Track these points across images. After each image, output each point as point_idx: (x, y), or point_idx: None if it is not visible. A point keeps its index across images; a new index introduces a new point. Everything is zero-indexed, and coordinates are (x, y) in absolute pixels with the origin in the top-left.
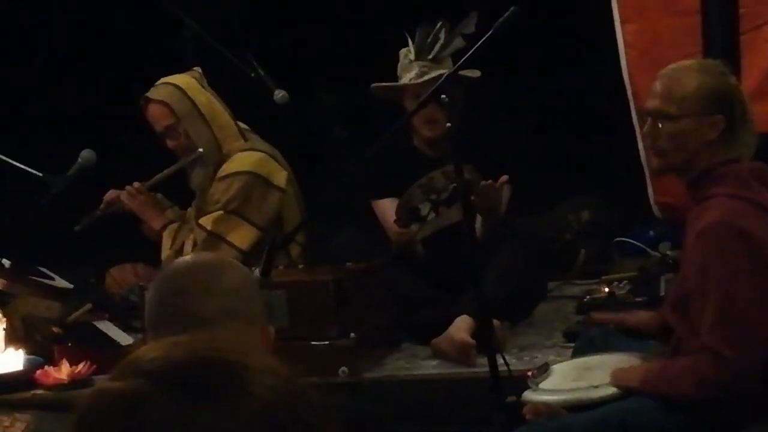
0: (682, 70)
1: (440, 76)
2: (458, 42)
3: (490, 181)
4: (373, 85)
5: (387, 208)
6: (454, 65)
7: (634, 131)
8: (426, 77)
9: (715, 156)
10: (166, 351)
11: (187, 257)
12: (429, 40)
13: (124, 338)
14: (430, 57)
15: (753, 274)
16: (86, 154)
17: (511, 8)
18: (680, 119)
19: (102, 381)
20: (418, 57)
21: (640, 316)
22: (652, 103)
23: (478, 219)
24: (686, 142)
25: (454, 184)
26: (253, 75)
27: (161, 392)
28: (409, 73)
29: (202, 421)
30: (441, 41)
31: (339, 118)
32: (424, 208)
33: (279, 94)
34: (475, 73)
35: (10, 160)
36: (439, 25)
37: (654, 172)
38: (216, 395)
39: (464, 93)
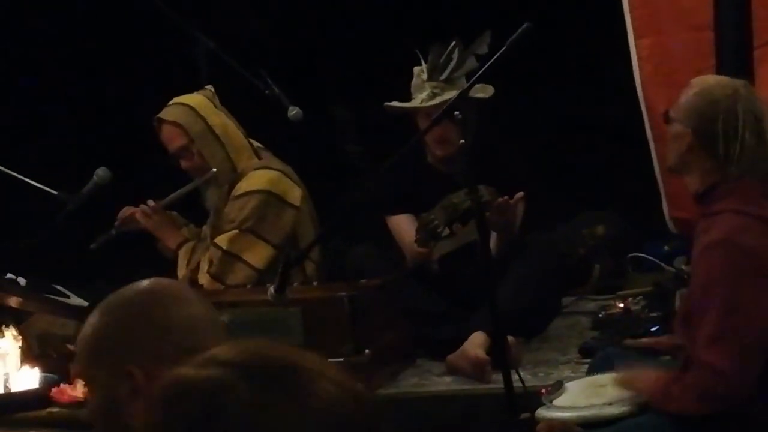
0: (696, 83)
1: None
2: (471, 63)
3: (505, 198)
4: (386, 104)
5: (402, 224)
6: (467, 83)
7: (649, 146)
8: (437, 99)
9: (717, 171)
10: (241, 348)
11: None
12: (442, 60)
13: None
14: (443, 78)
15: (755, 291)
16: (101, 172)
17: (524, 25)
18: (672, 123)
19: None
20: (430, 77)
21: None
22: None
23: (493, 235)
24: (675, 146)
25: (468, 202)
26: (267, 92)
27: (243, 381)
28: (421, 93)
29: (279, 410)
30: (453, 62)
31: (353, 134)
32: (443, 229)
33: (293, 111)
34: (487, 92)
35: (26, 178)
36: (452, 44)
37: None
38: (291, 389)
39: (478, 109)
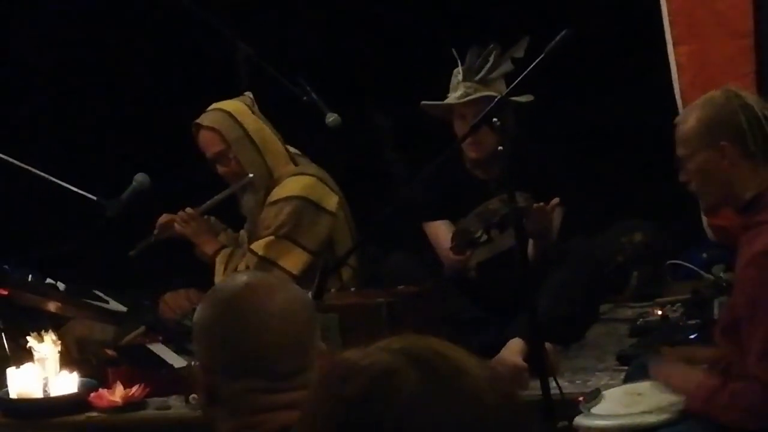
0: (687, 111)
1: (483, 97)
2: (507, 66)
3: (541, 204)
4: (422, 102)
5: (439, 230)
6: (506, 88)
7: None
8: (468, 98)
9: (757, 181)
10: (407, 340)
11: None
12: (478, 61)
13: (177, 360)
14: (477, 78)
15: None
16: (140, 178)
17: (563, 31)
18: (692, 157)
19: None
20: (465, 77)
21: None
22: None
23: (531, 242)
24: (709, 177)
25: (504, 209)
26: (305, 98)
27: (413, 368)
28: (455, 93)
29: (443, 399)
30: (489, 64)
31: (391, 141)
32: (480, 235)
33: (331, 118)
34: (527, 98)
35: (66, 184)
36: (490, 47)
37: (704, 212)
38: (451, 379)
39: (516, 116)
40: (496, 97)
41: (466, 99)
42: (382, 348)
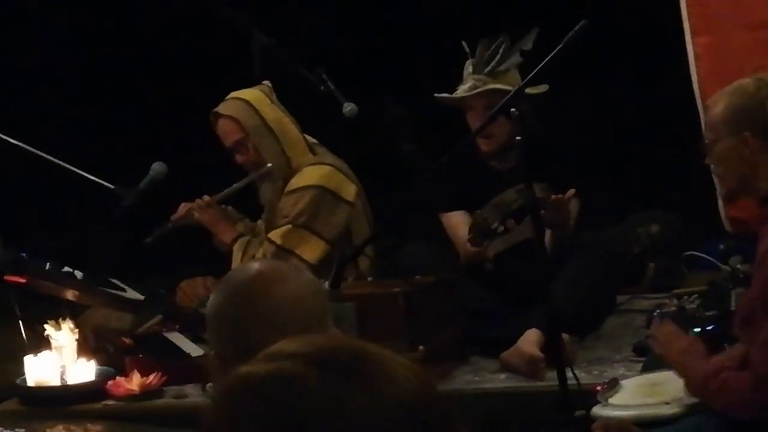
0: (717, 96)
1: (492, 90)
2: (515, 58)
3: (559, 195)
4: (435, 95)
5: (456, 221)
6: (519, 79)
7: (704, 144)
8: (476, 91)
9: None
10: (308, 340)
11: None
12: (488, 54)
13: (194, 349)
14: (486, 71)
15: None
16: (157, 167)
17: (581, 22)
18: (716, 143)
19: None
20: (475, 70)
21: None
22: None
23: (548, 233)
24: (730, 164)
25: (524, 201)
26: (322, 88)
27: (313, 371)
28: (464, 85)
29: (354, 400)
30: (499, 56)
31: (408, 131)
32: (497, 227)
33: (348, 107)
34: (541, 89)
35: (82, 172)
36: (500, 39)
37: (722, 199)
38: (364, 380)
39: (533, 107)
40: (504, 89)
41: (474, 92)
42: (280, 353)
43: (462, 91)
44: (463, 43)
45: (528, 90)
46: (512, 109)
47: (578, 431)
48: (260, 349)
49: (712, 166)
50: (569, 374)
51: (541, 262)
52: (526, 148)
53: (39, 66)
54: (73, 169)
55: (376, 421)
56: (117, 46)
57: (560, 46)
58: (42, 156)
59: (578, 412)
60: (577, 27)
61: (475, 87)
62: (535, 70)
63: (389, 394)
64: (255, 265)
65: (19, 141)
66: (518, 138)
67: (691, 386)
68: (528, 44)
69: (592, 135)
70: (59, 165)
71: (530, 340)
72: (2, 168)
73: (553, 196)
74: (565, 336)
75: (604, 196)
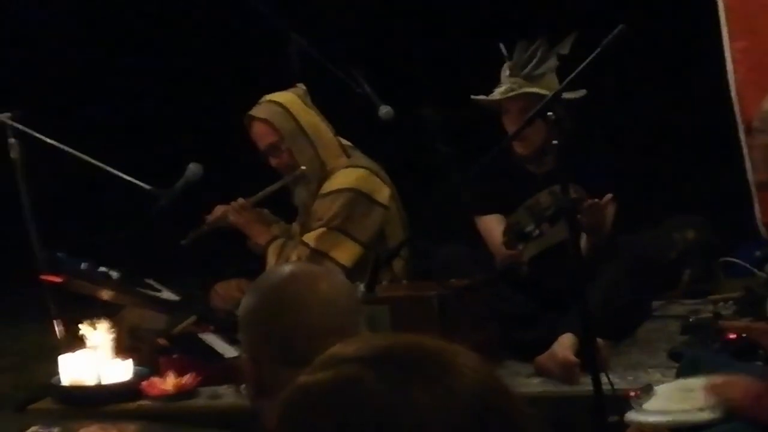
0: None
1: (527, 94)
2: (552, 62)
3: (596, 200)
4: (471, 97)
5: (491, 224)
6: (555, 82)
7: (741, 150)
8: (512, 94)
9: None
10: (364, 341)
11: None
12: (525, 57)
13: (228, 350)
14: (523, 74)
15: None
16: (193, 168)
17: (619, 26)
18: (763, 133)
19: (215, 389)
20: (511, 73)
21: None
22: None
23: (583, 237)
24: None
25: (559, 203)
26: (358, 90)
27: (372, 373)
28: (500, 88)
29: (414, 398)
30: (536, 59)
31: (443, 133)
32: (531, 230)
33: (384, 110)
34: (578, 94)
35: (119, 173)
36: (537, 42)
37: (755, 186)
38: (425, 376)
39: (571, 111)
40: (539, 93)
41: (509, 95)
42: (335, 358)
43: (498, 93)
44: (501, 46)
45: (565, 95)
46: (549, 113)
47: None
48: (292, 351)
49: (752, 151)
50: (604, 379)
51: (576, 265)
52: (563, 151)
53: (78, 68)
54: (110, 169)
55: (441, 416)
56: (155, 48)
57: (598, 50)
58: (79, 156)
59: (612, 418)
60: (615, 31)
61: (511, 90)
62: (572, 75)
63: (451, 389)
64: (287, 268)
65: (57, 142)
66: (555, 142)
67: (743, 404)
68: (565, 48)
69: (627, 140)
70: (96, 165)
71: (565, 345)
72: (40, 168)
73: (590, 201)
74: (600, 341)
75: (639, 200)
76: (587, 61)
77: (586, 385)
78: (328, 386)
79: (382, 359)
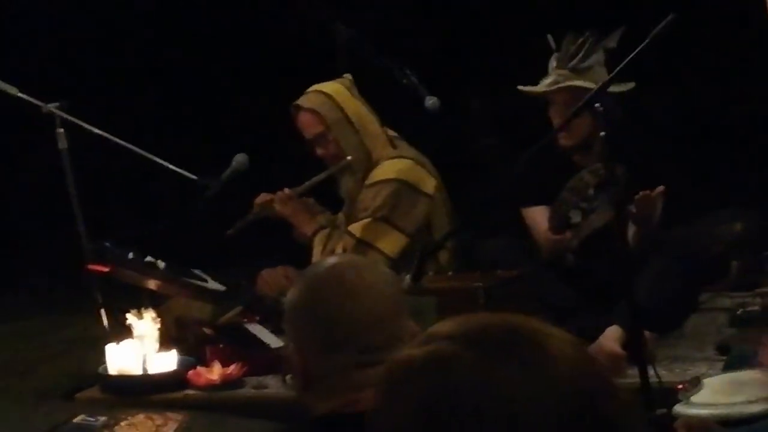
0: None
1: (571, 87)
2: (599, 56)
3: (647, 192)
4: (519, 87)
5: (537, 216)
6: (604, 74)
7: None
8: (556, 86)
9: None
10: (464, 320)
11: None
12: (572, 49)
13: (274, 340)
14: (569, 66)
15: None
16: (240, 158)
17: (670, 16)
18: None
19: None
20: (558, 65)
21: None
22: None
23: (632, 229)
24: None
25: (596, 179)
26: (404, 81)
27: (468, 351)
28: (546, 79)
29: (509, 378)
30: (582, 52)
31: (489, 124)
32: (575, 215)
33: (430, 101)
34: (626, 86)
35: (166, 163)
36: (585, 35)
37: None
38: (521, 356)
39: (618, 102)
40: (584, 87)
41: (553, 87)
42: (435, 335)
43: (543, 85)
44: (549, 37)
45: (612, 88)
46: (596, 104)
47: (660, 429)
48: (336, 341)
49: None
50: (651, 372)
51: (623, 256)
52: (611, 143)
53: (125, 59)
54: (157, 159)
55: (532, 395)
56: (202, 38)
57: (647, 40)
58: (126, 146)
59: (660, 410)
60: (665, 21)
61: (556, 82)
62: (620, 65)
63: (545, 369)
64: (331, 260)
65: (105, 132)
66: (602, 133)
67: None
68: (613, 42)
69: (676, 131)
70: (143, 155)
71: (612, 337)
72: (87, 158)
73: (641, 193)
74: (647, 333)
75: (687, 192)
76: (636, 51)
77: (632, 377)
78: (424, 362)
79: (478, 338)
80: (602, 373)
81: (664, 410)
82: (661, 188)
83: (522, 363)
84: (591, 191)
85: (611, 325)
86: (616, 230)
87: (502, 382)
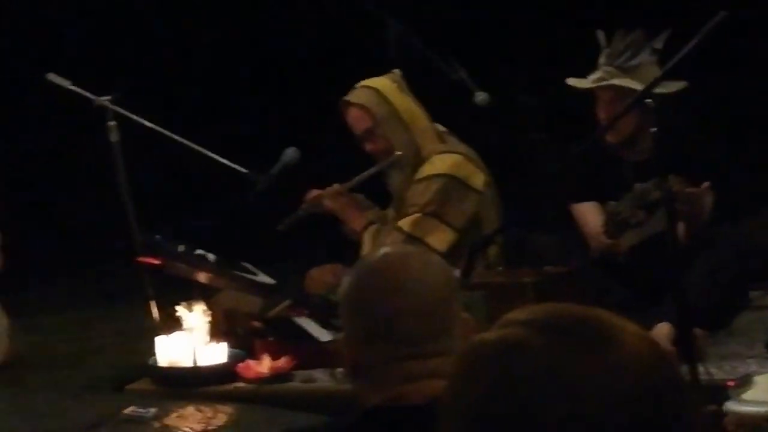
0: None
1: (614, 85)
2: (644, 55)
3: (694, 188)
4: (567, 80)
5: (586, 212)
6: (656, 72)
7: None
8: (601, 84)
9: None
10: (538, 307)
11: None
12: (621, 47)
13: (323, 334)
14: (617, 63)
15: None
16: (290, 153)
17: (721, 13)
18: None
19: (303, 374)
20: (606, 61)
21: None
22: None
23: (681, 226)
24: None
25: (659, 193)
26: (454, 76)
27: (540, 338)
28: (593, 75)
29: (578, 363)
30: (630, 51)
31: (538, 120)
32: (632, 219)
33: (480, 96)
34: (676, 87)
35: (217, 157)
36: (635, 33)
37: None
38: (592, 345)
39: (668, 100)
40: (626, 87)
41: (597, 84)
42: (510, 321)
43: (589, 81)
44: (599, 33)
45: (662, 89)
46: (648, 100)
47: (710, 427)
48: (387, 334)
49: None
50: (701, 369)
51: (674, 255)
52: (662, 139)
53: (176, 52)
54: (208, 153)
55: (602, 385)
56: (252, 34)
57: (698, 38)
58: (177, 140)
59: (710, 407)
60: (716, 19)
61: (602, 79)
62: (670, 63)
63: (615, 360)
64: (382, 250)
65: (156, 125)
66: (653, 129)
67: None
68: (659, 44)
69: (726, 127)
70: (194, 149)
71: (661, 334)
72: (138, 152)
73: (689, 189)
74: (696, 330)
75: (737, 189)
76: (686, 49)
77: (682, 374)
78: (497, 345)
79: (551, 325)
80: (673, 368)
81: (714, 407)
82: (707, 184)
83: (593, 352)
84: (650, 202)
85: (660, 321)
86: (669, 238)
87: (568, 367)
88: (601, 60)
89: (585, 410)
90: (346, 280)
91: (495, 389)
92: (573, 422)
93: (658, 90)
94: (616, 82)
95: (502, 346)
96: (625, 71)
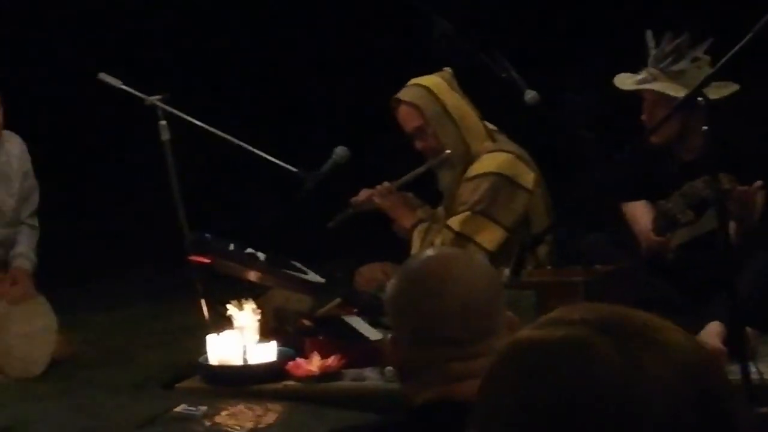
0: None
1: (651, 89)
2: (685, 64)
3: (746, 187)
4: (616, 77)
5: (637, 210)
6: (698, 76)
7: None
8: (642, 86)
9: None
10: (589, 308)
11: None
12: (667, 50)
13: (372, 333)
14: (661, 66)
15: None
16: (340, 151)
17: None
18: None
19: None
20: (651, 63)
21: None
22: None
23: (732, 224)
24: None
25: (709, 192)
26: (503, 75)
27: (606, 338)
28: (638, 75)
29: (650, 367)
30: (675, 55)
31: (587, 118)
32: (682, 217)
33: (529, 95)
34: (727, 90)
35: (267, 155)
36: (683, 37)
37: None
38: (657, 346)
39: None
40: (665, 92)
41: (639, 87)
42: (564, 320)
43: (633, 81)
44: (648, 33)
45: (713, 93)
46: (699, 99)
47: (761, 428)
48: (434, 334)
49: None
50: (752, 369)
51: (725, 254)
52: (713, 138)
53: (227, 52)
54: (258, 152)
55: (668, 388)
56: (301, 34)
57: (748, 37)
58: (227, 139)
59: (762, 409)
60: (765, 18)
61: (645, 81)
62: (720, 63)
63: (679, 362)
64: (429, 252)
65: (206, 124)
66: (705, 128)
67: None
68: (700, 52)
69: None
70: (244, 148)
71: (713, 333)
72: (188, 150)
73: (739, 188)
74: (748, 329)
75: None
76: (736, 48)
77: (733, 374)
78: (558, 344)
79: (612, 326)
80: (722, 371)
81: (766, 408)
82: (758, 183)
83: (659, 354)
84: (701, 201)
85: (711, 321)
86: (720, 237)
87: (640, 371)
88: (650, 60)
89: (653, 410)
90: (392, 283)
91: (563, 389)
92: (639, 422)
93: (712, 96)
94: (656, 87)
95: (567, 346)
96: (669, 75)
